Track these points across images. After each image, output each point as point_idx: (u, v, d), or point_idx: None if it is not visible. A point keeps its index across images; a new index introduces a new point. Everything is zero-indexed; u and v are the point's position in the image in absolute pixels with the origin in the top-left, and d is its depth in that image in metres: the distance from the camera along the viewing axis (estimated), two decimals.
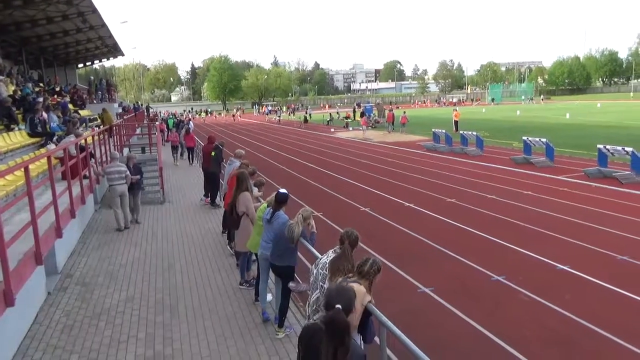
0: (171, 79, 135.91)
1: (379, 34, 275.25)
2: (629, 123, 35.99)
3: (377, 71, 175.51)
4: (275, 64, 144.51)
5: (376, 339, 3.85)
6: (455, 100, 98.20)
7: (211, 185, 13.18)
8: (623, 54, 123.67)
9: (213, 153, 12.80)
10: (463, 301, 7.03)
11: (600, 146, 16.70)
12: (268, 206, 6.25)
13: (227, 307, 6.78)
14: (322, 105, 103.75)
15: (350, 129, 42.09)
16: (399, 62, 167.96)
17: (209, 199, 13.21)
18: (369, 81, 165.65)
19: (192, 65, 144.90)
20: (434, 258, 8.98)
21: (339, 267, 4.11)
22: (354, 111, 53.92)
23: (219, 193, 12.98)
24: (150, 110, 53.22)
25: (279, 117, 60.55)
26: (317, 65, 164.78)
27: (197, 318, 6.39)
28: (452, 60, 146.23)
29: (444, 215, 11.86)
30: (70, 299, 7.18)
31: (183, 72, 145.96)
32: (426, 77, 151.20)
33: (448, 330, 6.28)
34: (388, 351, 4.25)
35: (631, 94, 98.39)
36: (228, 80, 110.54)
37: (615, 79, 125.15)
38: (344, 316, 2.65)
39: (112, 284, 7.70)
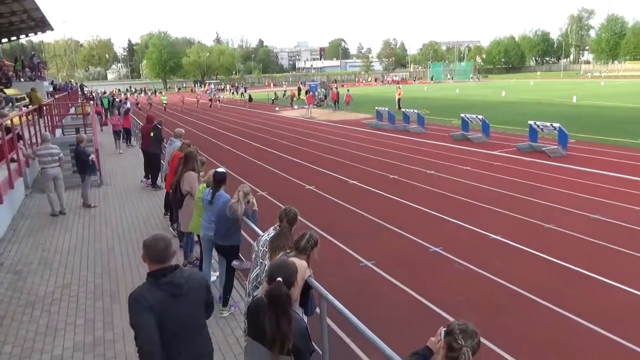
0: (107, 55, 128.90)
1: (323, 11, 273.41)
2: (558, 100, 38.14)
3: (322, 49, 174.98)
4: (218, 40, 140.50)
5: (317, 310, 3.96)
6: (398, 78, 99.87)
7: (152, 166, 12.79)
8: (554, 35, 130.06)
9: (152, 133, 12.40)
10: (403, 272, 7.32)
11: (531, 122, 17.66)
12: (207, 187, 6.18)
13: None
14: (266, 83, 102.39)
15: (295, 107, 41.93)
16: (344, 41, 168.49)
17: (150, 180, 12.84)
18: (314, 59, 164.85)
19: (129, 41, 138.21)
20: (376, 233, 9.25)
21: (278, 245, 4.17)
22: (299, 90, 53.63)
23: (160, 174, 12.64)
24: (85, 89, 50.46)
25: (214, 95, 58.31)
26: (261, 42, 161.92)
27: None
28: (395, 39, 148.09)
29: (387, 191, 12.19)
30: (0, 288, 6.83)
31: (119, 48, 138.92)
32: (370, 56, 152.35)
33: (388, 300, 6.54)
34: (330, 322, 4.39)
35: (561, 72, 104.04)
36: (168, 57, 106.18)
37: (547, 59, 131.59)
38: (285, 288, 2.73)
39: (47, 271, 7.39)
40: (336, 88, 43.53)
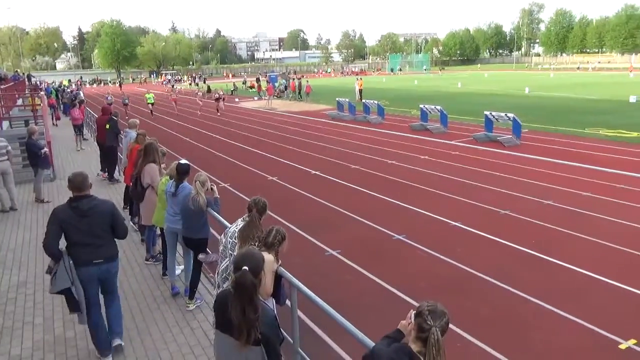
0: (55, 44, 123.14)
1: (282, 2, 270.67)
2: (511, 91, 39.47)
3: (281, 40, 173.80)
4: (174, 30, 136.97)
5: (288, 302, 3.99)
6: (357, 69, 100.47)
7: (108, 159, 12.40)
8: (507, 28, 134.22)
9: (107, 125, 12.00)
10: (368, 260, 7.45)
11: (487, 113, 18.23)
12: (170, 179, 6.07)
13: (133, 284, 6.57)
14: (225, 74, 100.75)
15: (255, 98, 41.53)
16: (303, 31, 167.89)
17: (107, 174, 12.45)
18: (273, 50, 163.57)
19: (80, 29, 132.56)
20: (340, 222, 9.36)
21: (248, 235, 4.15)
22: (258, 80, 53.07)
23: (117, 167, 12.28)
24: (33, 79, 48.08)
25: (173, 85, 57.13)
26: (218, 32, 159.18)
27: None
28: (354, 31, 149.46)
29: (349, 181, 12.33)
30: None
31: (69, 37, 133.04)
32: (329, 47, 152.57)
33: (355, 287, 6.65)
34: (299, 313, 4.43)
35: (513, 65, 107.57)
36: (122, 46, 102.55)
37: (501, 51, 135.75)
38: (251, 277, 2.72)
39: (0, 270, 7.08)
40: (294, 79, 43.46)
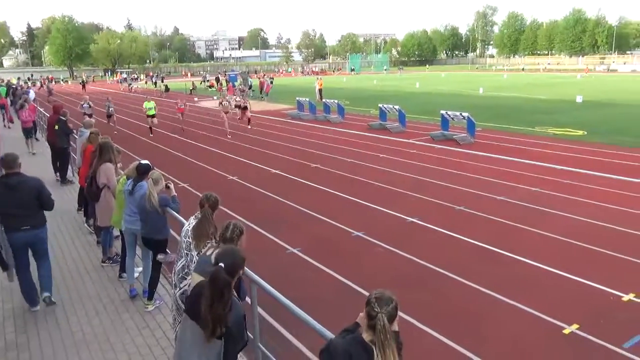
0: (2, 40, 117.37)
1: (242, 0, 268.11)
2: (467, 91, 40.66)
3: (240, 39, 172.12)
4: (129, 27, 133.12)
5: (248, 299, 4.03)
6: (318, 69, 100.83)
7: (60, 160, 11.99)
8: (463, 30, 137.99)
9: (56, 126, 11.60)
10: (328, 257, 7.57)
11: (443, 112, 18.74)
12: (128, 178, 5.97)
13: (89, 287, 6.42)
14: (184, 73, 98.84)
15: (215, 97, 41.03)
16: (263, 30, 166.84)
17: (59, 175, 12.04)
18: (233, 49, 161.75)
19: (29, 25, 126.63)
20: (301, 220, 9.44)
21: (202, 232, 4.13)
22: (218, 79, 52.42)
23: (70, 168, 11.91)
24: None
25: (130, 84, 55.82)
26: (176, 30, 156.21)
27: (56, 301, 5.96)
28: (314, 30, 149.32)
29: (309, 179, 12.42)
30: None
31: (17, 33, 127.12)
32: (290, 46, 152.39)
33: (315, 284, 6.75)
34: (260, 311, 4.47)
35: (469, 65, 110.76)
36: (74, 43, 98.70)
37: (457, 52, 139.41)
38: (224, 274, 2.78)
39: None
40: (271, 78, 43.53)
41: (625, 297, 6.12)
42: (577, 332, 5.40)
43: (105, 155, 6.77)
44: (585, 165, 13.25)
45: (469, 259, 7.45)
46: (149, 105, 20.61)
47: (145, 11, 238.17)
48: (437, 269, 7.07)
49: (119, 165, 7.09)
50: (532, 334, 5.44)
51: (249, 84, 43.25)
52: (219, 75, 57.92)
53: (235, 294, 3.13)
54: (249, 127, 21.84)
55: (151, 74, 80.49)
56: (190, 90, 47.12)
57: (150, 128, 20.63)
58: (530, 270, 7.01)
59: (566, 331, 5.43)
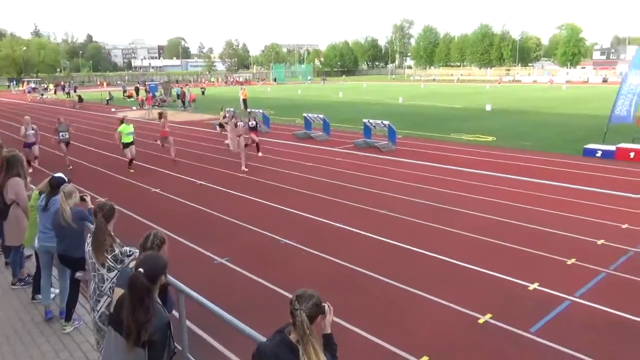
0: None
1: (160, 8, 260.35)
2: (387, 101, 42.32)
3: (160, 47, 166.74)
4: (37, 34, 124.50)
5: (175, 313, 3.96)
6: (241, 79, 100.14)
7: None
8: (382, 42, 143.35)
9: None
10: (256, 265, 7.58)
11: (365, 120, 19.41)
12: (41, 193, 5.65)
13: None
14: (99, 82, 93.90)
15: (134, 108, 39.44)
16: (184, 39, 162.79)
17: None
18: (152, 58, 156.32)
19: None
20: (228, 230, 9.36)
21: (99, 243, 4.00)
22: (137, 90, 50.44)
23: None
24: None
25: (42, 95, 52.23)
26: (90, 38, 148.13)
27: None
28: (237, 40, 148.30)
29: (235, 189, 12.35)
30: None
31: None
32: (213, 56, 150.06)
33: (244, 292, 6.74)
34: (189, 324, 4.41)
35: (389, 76, 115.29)
36: None
37: (377, 63, 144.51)
38: (142, 279, 2.74)
39: None
40: (202, 88, 42.53)
41: (531, 287, 6.71)
42: (491, 320, 5.85)
43: (13, 169, 6.34)
44: (494, 168, 14.32)
45: (392, 259, 7.81)
46: (127, 130, 14.69)
47: (55, 17, 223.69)
48: (363, 270, 7.34)
49: (27, 179, 6.67)
50: (451, 325, 5.82)
51: (177, 93, 41.94)
52: (138, 85, 55.74)
53: (162, 304, 3.10)
54: (259, 154, 16.76)
55: (63, 83, 75.56)
56: (107, 100, 44.92)
57: (131, 161, 15.05)
58: (446, 266, 7.48)
59: (481, 321, 5.86)
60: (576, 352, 5.19)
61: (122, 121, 14.90)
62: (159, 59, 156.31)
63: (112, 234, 4.15)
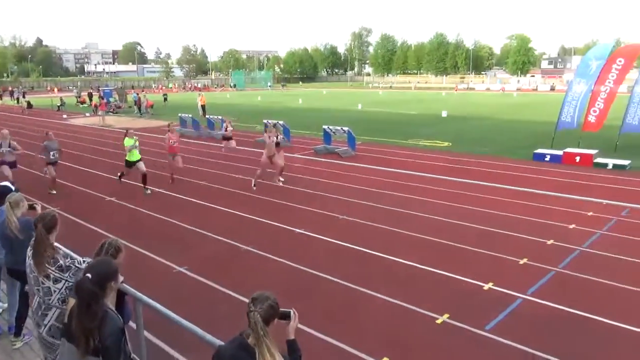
0: None
1: (115, 12, 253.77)
2: (347, 107, 42.79)
3: (115, 52, 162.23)
4: None
5: (133, 324, 3.88)
6: (200, 85, 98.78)
7: None
8: (341, 49, 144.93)
9: None
10: (217, 273, 7.50)
11: (325, 127, 19.56)
12: None
13: None
14: (50, 88, 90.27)
15: (87, 115, 38.21)
16: (140, 44, 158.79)
17: None
18: (106, 63, 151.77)
19: None
20: (187, 238, 9.22)
21: (39, 256, 3.85)
22: (90, 96, 48.87)
23: None
24: None
25: None
26: (40, 41, 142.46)
27: None
28: (195, 45, 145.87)
29: (194, 197, 12.17)
30: None
31: None
32: (170, 61, 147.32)
33: (205, 300, 6.65)
34: (148, 334, 4.32)
35: (348, 83, 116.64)
36: None
37: (337, 70, 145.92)
38: (89, 284, 2.69)
39: None
40: (165, 94, 41.71)
41: (486, 286, 6.96)
42: (448, 320, 6.02)
43: None
44: (450, 173, 14.74)
45: (351, 263, 7.90)
46: (130, 143, 12.56)
47: (2, 19, 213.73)
48: (323, 275, 7.39)
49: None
50: (411, 326, 5.95)
51: (135, 99, 40.79)
52: (92, 91, 54.01)
53: (117, 313, 3.04)
54: (280, 181, 13.70)
55: (11, 88, 72.14)
56: (58, 106, 43.29)
57: (144, 177, 12.60)
58: (405, 269, 7.65)
59: (439, 321, 6.02)
60: (528, 347, 5.42)
61: (126, 134, 12.92)
62: (114, 64, 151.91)
63: (54, 245, 4.00)
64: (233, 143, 18.96)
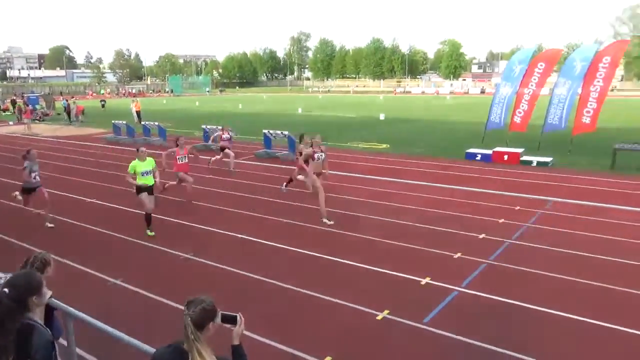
0: None
1: (40, 14, 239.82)
2: (287, 111, 42.88)
3: (41, 56, 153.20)
4: None
5: (64, 341, 3.70)
6: (134, 91, 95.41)
7: None
8: (281, 53, 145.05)
9: None
10: (155, 283, 7.27)
11: (265, 131, 19.51)
12: None
13: None
14: None
15: (11, 123, 35.86)
16: (68, 48, 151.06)
17: None
18: (32, 68, 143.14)
19: None
20: (123, 248, 8.89)
21: None
22: (14, 102, 45.87)
23: None
24: None
25: None
26: None
27: None
28: (129, 50, 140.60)
29: (130, 206, 11.72)
30: None
31: None
32: (102, 66, 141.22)
33: (142, 311, 6.44)
34: (81, 351, 4.13)
35: (288, 87, 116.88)
36: None
37: (276, 74, 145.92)
38: (5, 301, 2.56)
39: None
40: (103, 100, 39.53)
41: (423, 281, 7.22)
42: (388, 316, 6.19)
43: None
44: (388, 174, 15.15)
45: (292, 266, 7.94)
46: (142, 168, 9.61)
47: None
48: (264, 279, 7.36)
49: None
50: (352, 324, 6.06)
51: (64, 106, 38.55)
52: (15, 98, 50.72)
53: (47, 328, 2.91)
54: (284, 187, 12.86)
55: None
56: None
57: (148, 218, 9.65)
58: (344, 268, 7.79)
59: (379, 317, 6.18)
60: (464, 337, 5.68)
61: (138, 156, 9.68)
62: (40, 69, 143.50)
63: None
64: (231, 154, 15.98)
